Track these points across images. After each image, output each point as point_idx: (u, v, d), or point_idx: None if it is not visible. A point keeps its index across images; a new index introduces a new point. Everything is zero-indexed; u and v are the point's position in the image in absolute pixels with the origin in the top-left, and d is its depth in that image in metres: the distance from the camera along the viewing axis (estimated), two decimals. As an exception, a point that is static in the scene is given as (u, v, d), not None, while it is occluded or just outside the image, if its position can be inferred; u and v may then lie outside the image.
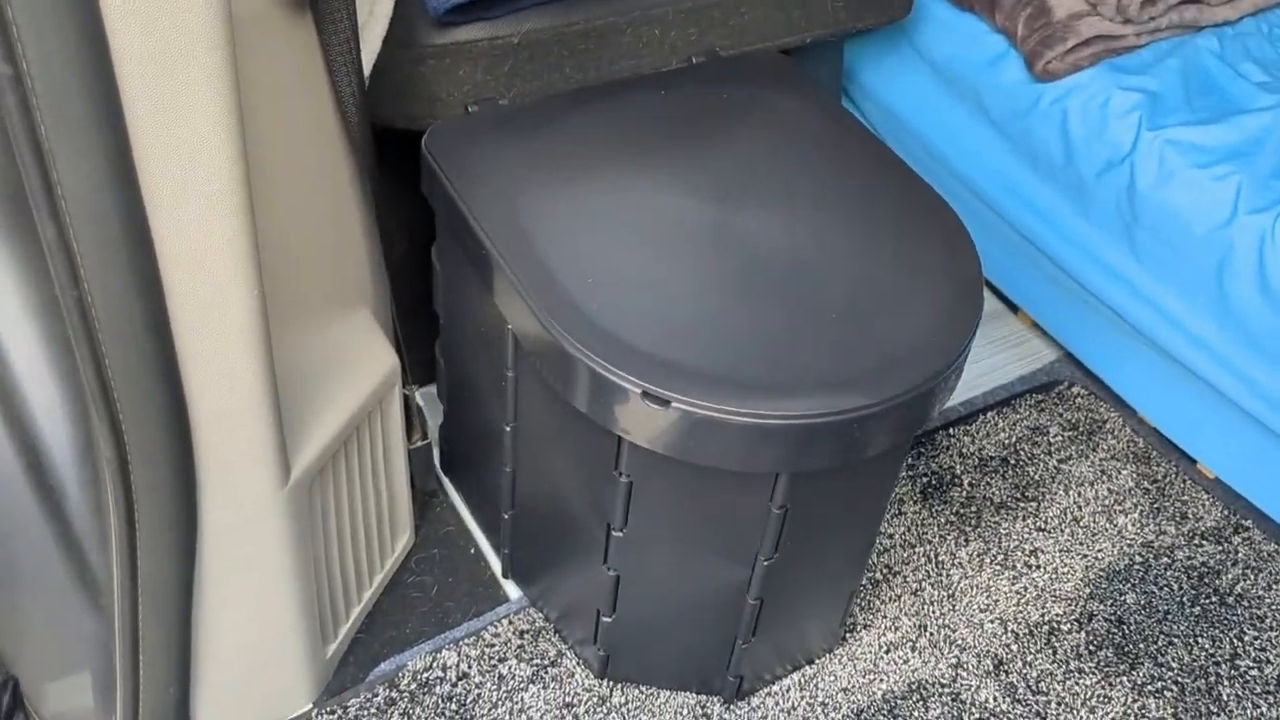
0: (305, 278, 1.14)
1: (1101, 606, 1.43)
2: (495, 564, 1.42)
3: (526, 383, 1.15)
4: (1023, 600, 1.43)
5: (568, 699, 1.30)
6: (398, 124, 1.34)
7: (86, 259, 0.82)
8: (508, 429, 1.21)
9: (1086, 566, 1.47)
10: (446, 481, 1.50)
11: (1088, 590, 1.44)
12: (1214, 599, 1.45)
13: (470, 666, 1.32)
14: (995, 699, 1.33)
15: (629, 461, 1.06)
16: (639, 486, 1.08)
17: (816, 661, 1.35)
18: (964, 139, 1.72)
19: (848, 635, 1.38)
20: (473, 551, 1.44)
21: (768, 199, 1.14)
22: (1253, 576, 1.47)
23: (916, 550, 1.47)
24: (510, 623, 1.36)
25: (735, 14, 1.44)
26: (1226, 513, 1.54)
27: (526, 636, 1.35)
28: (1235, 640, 1.40)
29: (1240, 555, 1.49)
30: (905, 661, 1.36)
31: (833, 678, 1.34)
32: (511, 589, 1.40)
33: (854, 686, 1.34)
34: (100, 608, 1.03)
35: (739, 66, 1.36)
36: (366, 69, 1.32)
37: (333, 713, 1.27)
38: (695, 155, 1.19)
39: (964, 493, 1.55)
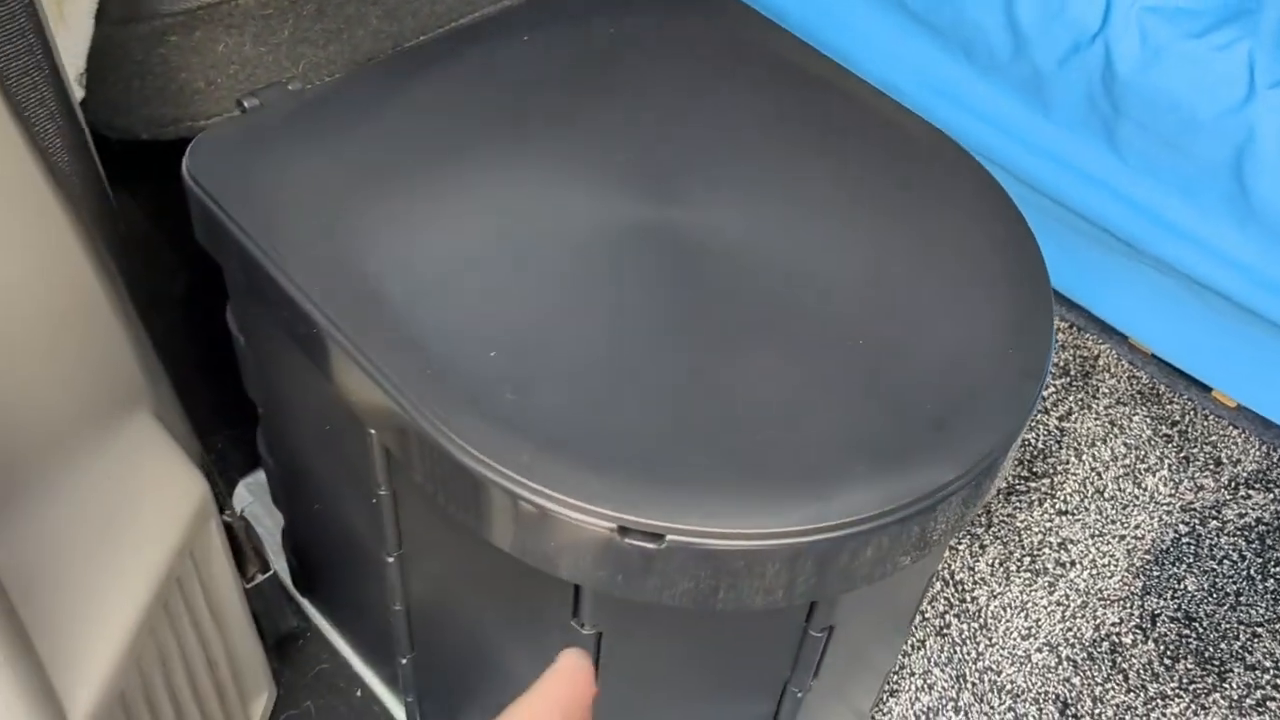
0: (31, 405, 0.73)
1: (1162, 602, 1.15)
2: (396, 709, 1.05)
3: (411, 501, 0.77)
4: (1068, 613, 1.13)
5: None
6: (140, 134, 0.92)
7: None
8: (391, 560, 0.83)
9: (1129, 551, 1.19)
10: (307, 604, 1.11)
11: (1139, 583, 1.16)
12: (1285, 564, 1.18)
13: None
14: (1072, 756, 1.04)
15: (595, 609, 0.70)
16: (612, 637, 0.72)
17: (843, 756, 1.03)
18: (875, 37, 1.38)
19: (875, 711, 1.06)
20: (360, 694, 1.06)
21: (717, 177, 0.78)
22: (1320, 526, 1.21)
23: (926, 572, 1.16)
24: (433, 792, 1.00)
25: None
26: (1265, 449, 1.28)
27: (459, 810, 0.99)
28: (1325, 613, 1.14)
29: (1298, 501, 1.23)
30: (951, 730, 1.05)
31: (868, 773, 1.02)
32: (424, 740, 1.03)
33: (897, 779, 1.02)
34: None
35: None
36: (78, 62, 0.90)
37: None
38: (595, 125, 0.81)
39: (961, 483, 1.24)
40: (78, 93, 0.90)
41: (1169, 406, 1.32)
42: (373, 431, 0.71)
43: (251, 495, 1.16)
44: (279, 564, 1.08)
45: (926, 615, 1.12)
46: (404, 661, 0.94)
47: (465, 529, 0.67)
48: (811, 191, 0.78)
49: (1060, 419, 1.30)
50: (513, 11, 0.91)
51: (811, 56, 0.88)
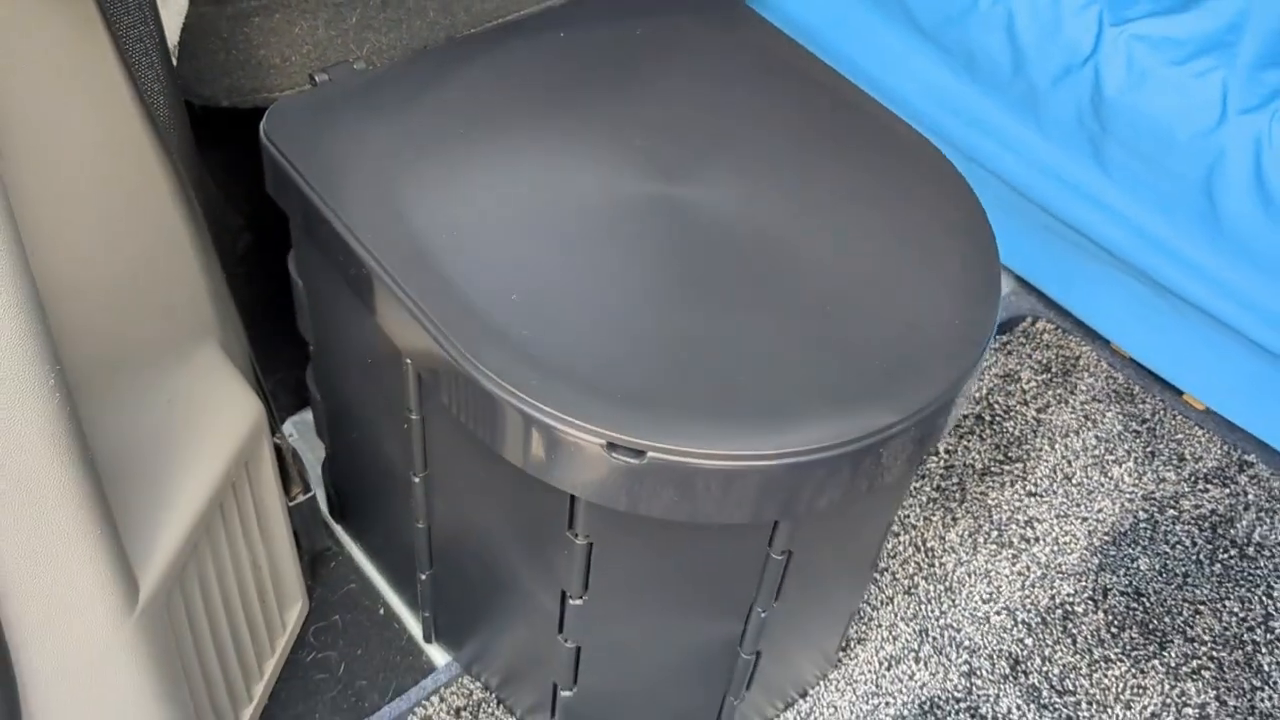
0: (121, 326, 0.86)
1: (1115, 578, 1.25)
2: (413, 626, 1.17)
3: (437, 424, 0.90)
4: (1028, 583, 1.24)
5: (525, 786, 1.07)
6: (222, 101, 1.05)
7: None
8: (417, 480, 0.95)
9: (1089, 532, 1.29)
10: (339, 530, 1.24)
11: (1096, 560, 1.27)
12: (1233, 552, 1.28)
13: (401, 762, 1.08)
14: (1019, 707, 1.15)
15: (587, 520, 0.82)
16: (601, 547, 0.84)
17: (811, 693, 1.15)
18: (889, 52, 1.49)
19: (841, 655, 1.17)
20: (383, 612, 1.19)
21: (717, 162, 0.90)
22: (1269, 520, 1.31)
23: (901, 538, 1.27)
24: (442, 699, 1.12)
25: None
26: (1226, 449, 1.38)
27: (465, 715, 1.11)
28: (1265, 598, 1.24)
29: (1250, 497, 1.33)
30: (910, 677, 1.16)
31: (832, 710, 1.14)
32: (438, 654, 1.16)
33: (858, 716, 1.13)
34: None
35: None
36: (173, 36, 1.02)
37: None
38: (617, 112, 0.93)
39: (941, 461, 1.35)
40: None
41: (1141, 405, 1.43)
42: (409, 361, 0.84)
43: (296, 431, 1.29)
44: (318, 493, 1.21)
45: (897, 576, 1.24)
46: (424, 577, 1.06)
47: (483, 448, 0.79)
48: (797, 177, 0.90)
49: (1039, 411, 1.41)
50: (553, 10, 1.03)
51: (809, 61, 1.00)
